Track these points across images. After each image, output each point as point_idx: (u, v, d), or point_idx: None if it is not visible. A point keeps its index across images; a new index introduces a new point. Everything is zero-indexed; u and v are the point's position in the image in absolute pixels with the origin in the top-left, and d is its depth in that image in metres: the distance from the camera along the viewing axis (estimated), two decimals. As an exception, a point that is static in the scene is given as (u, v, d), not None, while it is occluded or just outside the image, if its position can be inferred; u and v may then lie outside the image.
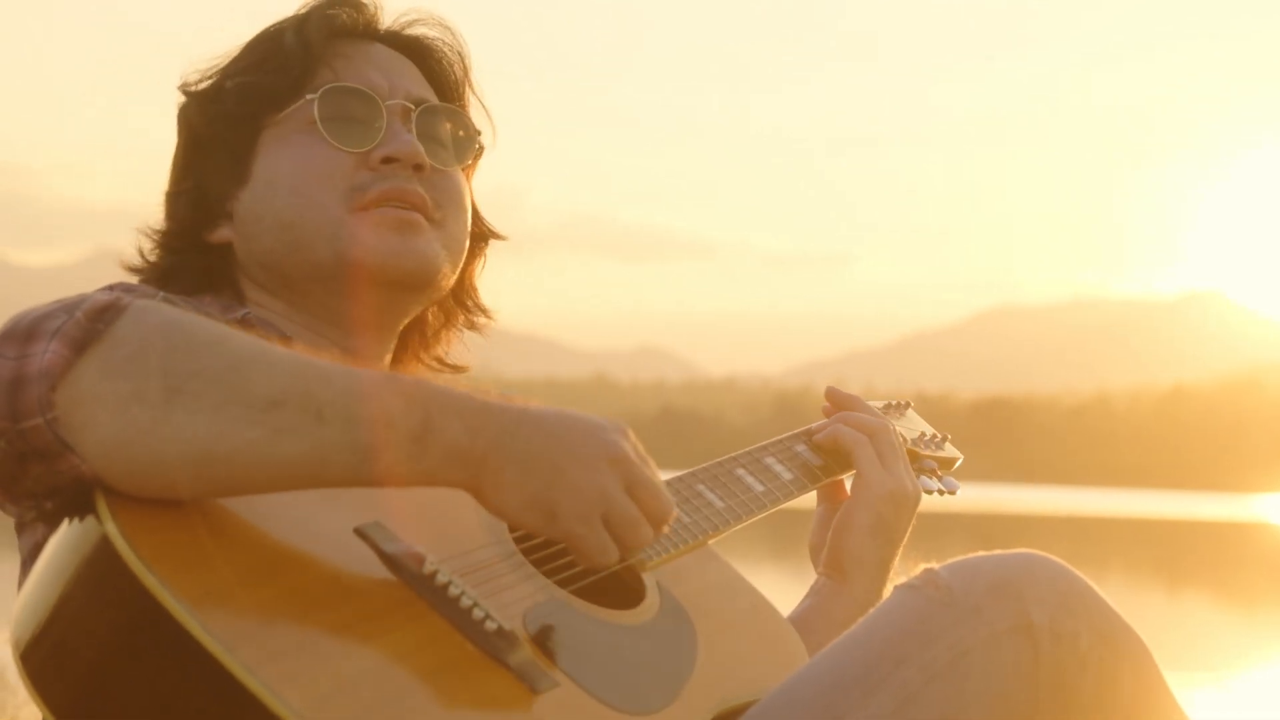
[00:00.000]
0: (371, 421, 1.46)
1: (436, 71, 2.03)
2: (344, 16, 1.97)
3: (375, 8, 2.00)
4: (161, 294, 1.75)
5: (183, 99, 1.98)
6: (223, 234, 1.94)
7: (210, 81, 1.97)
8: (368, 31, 1.99)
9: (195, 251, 1.94)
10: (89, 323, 1.43)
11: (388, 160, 1.92)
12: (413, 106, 1.97)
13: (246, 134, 1.93)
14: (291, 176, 1.90)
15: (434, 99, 2.00)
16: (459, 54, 2.05)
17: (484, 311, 2.11)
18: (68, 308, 1.45)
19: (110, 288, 1.73)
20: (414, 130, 1.95)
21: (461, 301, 2.09)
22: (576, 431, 1.57)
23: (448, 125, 2.00)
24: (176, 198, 1.96)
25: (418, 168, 1.93)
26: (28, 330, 1.43)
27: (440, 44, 2.04)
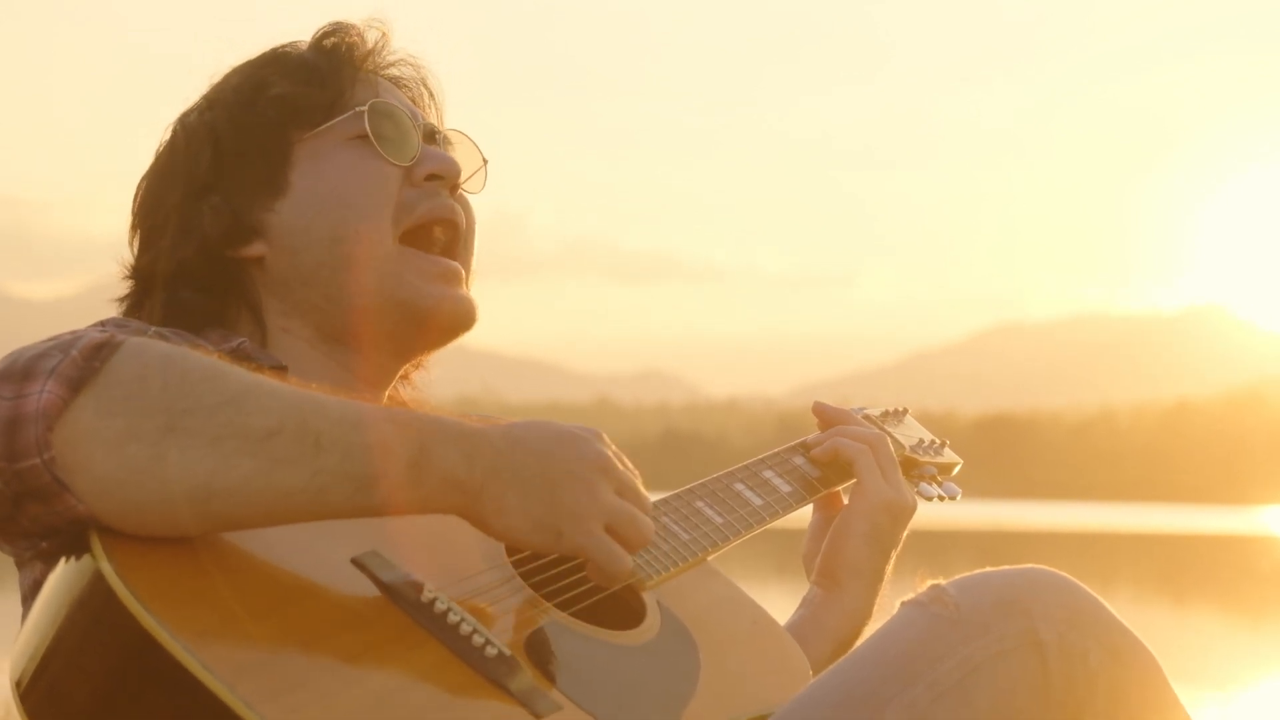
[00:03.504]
0: (368, 450, 1.47)
1: (420, 107, 2.05)
2: (355, 45, 1.98)
3: (381, 41, 2.01)
4: (153, 329, 1.72)
5: (198, 110, 1.96)
6: (255, 249, 1.90)
7: (239, 94, 1.94)
8: (366, 63, 1.99)
9: (216, 270, 1.90)
10: (84, 361, 1.42)
11: (431, 177, 1.94)
12: (438, 129, 2.01)
13: (280, 146, 1.91)
14: (343, 187, 1.90)
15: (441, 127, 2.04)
16: (435, 94, 2.07)
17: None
18: (63, 346, 1.44)
19: (103, 324, 1.73)
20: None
21: None
22: (563, 446, 1.61)
23: (463, 151, 2.04)
24: (195, 214, 1.90)
25: (452, 188, 1.96)
26: (24, 370, 1.42)
27: (421, 83, 2.06)
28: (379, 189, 1.91)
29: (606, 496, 1.62)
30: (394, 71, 2.03)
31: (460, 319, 1.95)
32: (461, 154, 2.03)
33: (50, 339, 1.48)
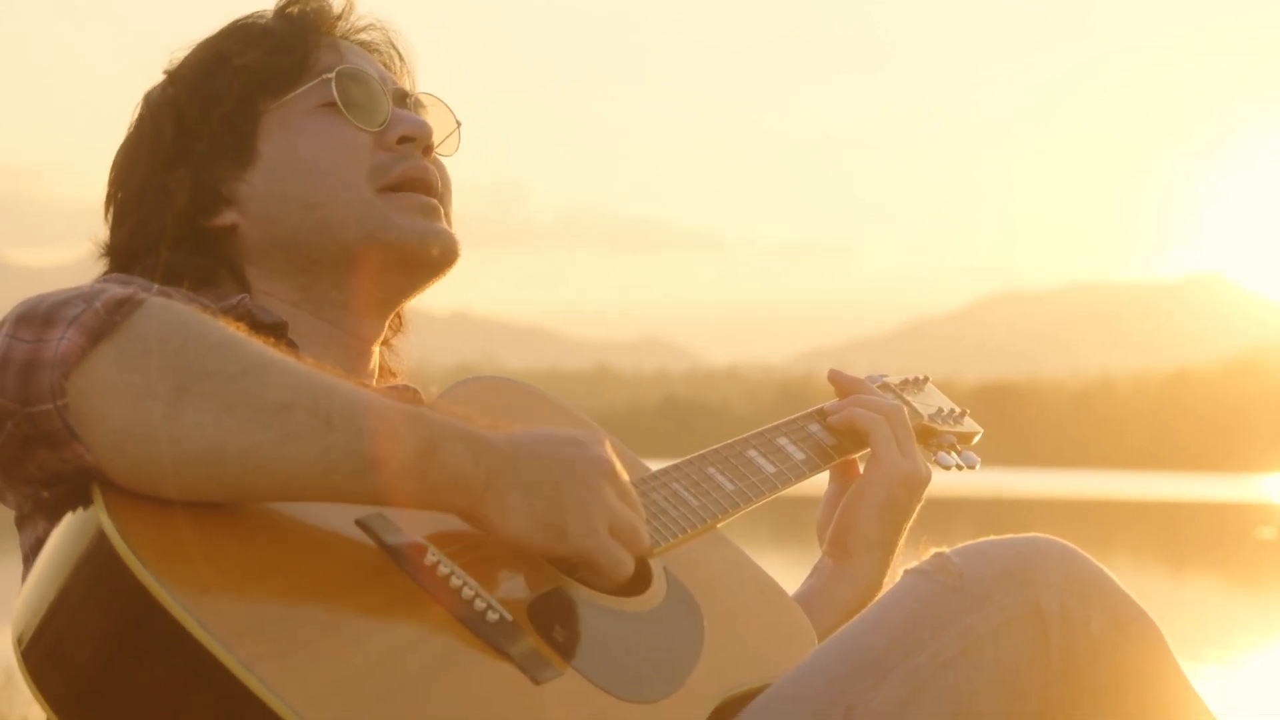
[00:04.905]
0: (378, 434, 1.48)
1: (391, 71, 2.04)
2: (319, 11, 1.98)
3: (347, 6, 2.01)
4: (157, 287, 1.71)
5: (161, 86, 1.96)
6: (227, 218, 1.91)
7: (200, 67, 1.94)
8: (332, 28, 1.99)
9: (193, 240, 1.90)
10: (107, 314, 1.42)
11: (404, 140, 1.93)
12: (409, 92, 2.00)
13: (248, 116, 1.91)
14: (314, 156, 1.90)
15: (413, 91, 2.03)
16: (404, 57, 2.06)
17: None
18: (86, 297, 1.44)
19: (106, 278, 1.73)
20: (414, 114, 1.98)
21: None
22: (567, 450, 1.61)
23: (437, 114, 2.03)
24: (163, 188, 1.91)
25: (426, 149, 1.96)
26: (46, 315, 1.43)
27: (390, 46, 2.05)
28: (350, 155, 1.91)
29: (610, 499, 1.61)
30: (363, 36, 2.02)
31: (445, 252, 1.95)
32: (434, 117, 2.03)
33: (73, 288, 1.48)
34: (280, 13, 1.97)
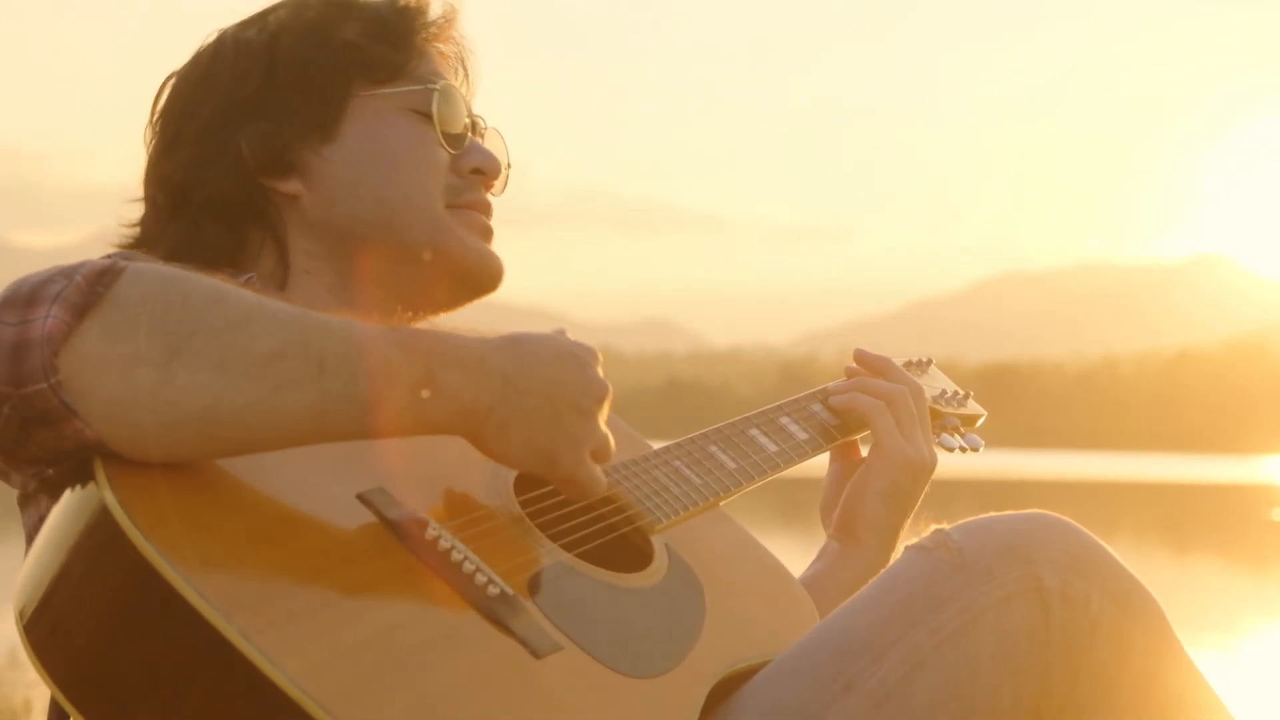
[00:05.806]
0: (373, 373, 1.47)
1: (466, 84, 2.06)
2: (421, 10, 1.97)
3: (449, 14, 2.00)
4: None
5: (256, 30, 1.92)
6: (292, 186, 1.89)
7: (307, 28, 1.92)
8: (433, 33, 1.98)
9: (248, 197, 1.88)
10: (88, 286, 1.42)
11: (477, 172, 1.96)
12: (483, 124, 2.02)
13: (341, 93, 1.91)
14: (398, 156, 1.91)
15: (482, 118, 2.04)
16: (470, 76, 2.06)
17: None
18: (66, 273, 1.43)
19: (109, 256, 1.73)
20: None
21: None
22: (571, 374, 1.61)
23: (495, 149, 2.03)
24: (233, 134, 1.88)
25: (488, 185, 1.98)
26: (28, 296, 1.42)
27: (460, 61, 2.04)
28: (431, 168, 1.92)
29: (599, 427, 1.64)
30: (441, 46, 2.01)
31: (496, 275, 1.98)
32: (494, 150, 2.02)
33: (53, 268, 1.47)
34: (393, 2, 1.96)
